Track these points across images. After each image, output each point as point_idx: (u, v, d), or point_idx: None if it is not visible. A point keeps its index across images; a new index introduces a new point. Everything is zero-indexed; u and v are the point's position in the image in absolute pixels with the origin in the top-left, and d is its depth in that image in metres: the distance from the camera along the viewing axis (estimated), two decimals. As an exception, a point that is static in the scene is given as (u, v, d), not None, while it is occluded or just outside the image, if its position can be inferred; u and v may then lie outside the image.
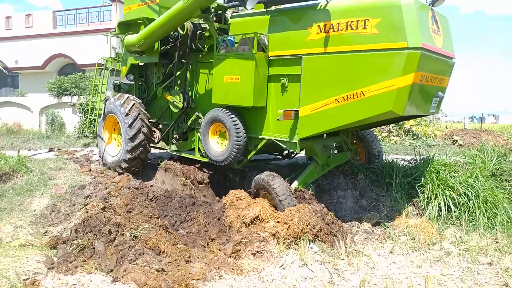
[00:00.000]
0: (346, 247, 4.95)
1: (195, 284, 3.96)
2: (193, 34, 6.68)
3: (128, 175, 7.83)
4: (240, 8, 6.63)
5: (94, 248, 4.69)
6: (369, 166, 7.19)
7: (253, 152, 6.34)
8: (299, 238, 4.88)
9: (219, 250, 4.73)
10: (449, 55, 5.49)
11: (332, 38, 5.08)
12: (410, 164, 7.20)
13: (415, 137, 12.93)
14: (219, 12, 6.75)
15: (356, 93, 4.89)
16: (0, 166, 7.72)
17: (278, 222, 5.11)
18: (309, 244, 4.88)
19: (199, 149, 7.21)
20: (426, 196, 6.19)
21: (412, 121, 13.08)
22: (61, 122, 17.04)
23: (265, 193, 5.73)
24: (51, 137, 15.20)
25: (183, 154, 7.73)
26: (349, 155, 7.03)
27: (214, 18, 6.66)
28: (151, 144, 7.93)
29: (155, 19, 6.85)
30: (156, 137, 7.94)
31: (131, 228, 5.15)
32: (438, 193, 6.09)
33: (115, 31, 8.34)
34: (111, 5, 8.82)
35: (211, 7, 6.30)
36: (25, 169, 7.89)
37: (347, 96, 4.97)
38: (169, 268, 4.23)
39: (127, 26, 7.91)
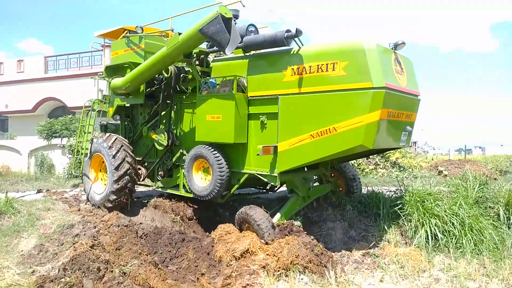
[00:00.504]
0: (336, 277, 4.96)
1: (184, 318, 3.92)
2: (177, 76, 7.10)
3: (117, 213, 7.79)
4: (221, 52, 7.00)
5: (82, 286, 4.64)
6: (352, 197, 7.44)
7: (236, 186, 6.57)
8: (289, 270, 4.89)
9: (209, 284, 4.71)
10: (414, 92, 5.98)
11: (305, 79, 5.54)
12: (396, 195, 7.36)
13: (402, 169, 13.20)
14: (201, 56, 7.21)
15: (329, 129, 5.29)
16: (-13, 208, 7.66)
17: (268, 254, 5.14)
18: (299, 275, 4.89)
19: (183, 185, 7.39)
20: (413, 225, 6.30)
21: (397, 154, 13.42)
22: (50, 164, 16.97)
23: (247, 225, 5.91)
24: (40, 178, 15.09)
25: (168, 190, 7.89)
26: (329, 187, 7.35)
27: (197, 62, 7.14)
28: (137, 182, 8.05)
29: (140, 63, 7.25)
30: (141, 174, 8.08)
31: (120, 264, 5.12)
32: (424, 221, 6.20)
33: (103, 74, 8.75)
34: (100, 50, 9.29)
35: (193, 52, 6.83)
36: (12, 211, 7.81)
37: (320, 132, 5.36)
38: (159, 303, 4.18)
39: (113, 70, 8.29)
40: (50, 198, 9.20)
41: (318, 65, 5.39)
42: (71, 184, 12.52)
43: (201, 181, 6.72)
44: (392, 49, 5.57)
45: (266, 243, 5.43)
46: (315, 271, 5.00)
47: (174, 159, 7.63)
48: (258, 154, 5.88)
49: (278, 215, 6.26)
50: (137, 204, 8.23)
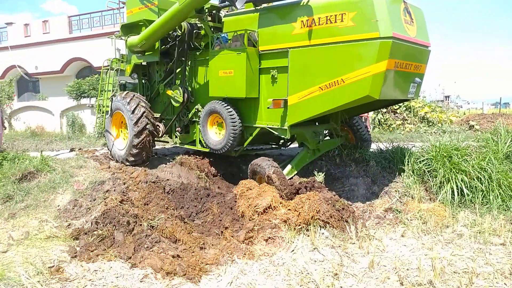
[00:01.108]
0: (357, 231, 5.03)
1: (208, 268, 4.13)
2: (190, 33, 7.23)
3: (145, 170, 8.10)
4: (232, 7, 6.98)
5: (113, 238, 4.92)
6: (362, 149, 7.55)
7: (249, 140, 6.76)
8: (310, 225, 4.99)
9: (232, 237, 4.89)
10: (424, 43, 5.87)
11: (314, 31, 5.55)
12: (422, 150, 7.18)
13: (431, 124, 12.78)
14: (213, 12, 7.28)
15: (337, 80, 5.35)
16: (25, 166, 8.11)
17: (289, 209, 5.24)
18: (320, 229, 4.99)
19: (200, 140, 7.67)
20: (438, 180, 6.18)
21: (426, 108, 12.94)
22: (81, 124, 17.58)
23: (259, 176, 6.21)
24: (72, 138, 15.73)
25: (185, 146, 8.23)
26: (339, 141, 7.48)
27: (209, 18, 7.23)
28: (156, 138, 8.37)
29: (154, 20, 7.31)
30: (160, 131, 8.37)
31: (148, 218, 5.38)
32: (450, 177, 6.07)
33: (119, 33, 8.86)
34: (116, 8, 9.45)
35: (205, 7, 6.85)
36: (48, 168, 8.24)
37: (329, 84, 5.44)
38: (184, 254, 4.42)
39: (129, 28, 8.43)
40: (82, 156, 9.61)
41: (327, 17, 5.39)
42: (101, 143, 13.00)
43: (215, 136, 6.97)
44: None
45: (281, 197, 5.64)
46: (336, 226, 5.07)
47: (190, 115, 7.87)
48: (268, 108, 6.08)
49: (289, 167, 6.49)
50: (164, 161, 8.50)
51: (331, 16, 5.34)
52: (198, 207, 6.49)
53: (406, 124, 12.82)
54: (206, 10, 7.08)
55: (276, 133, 6.33)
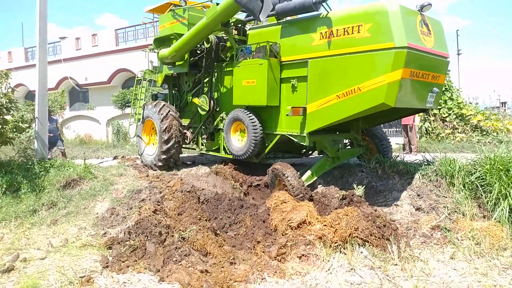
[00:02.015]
0: (399, 251, 4.62)
1: (236, 286, 3.94)
2: (217, 45, 7.67)
3: (181, 179, 8.13)
4: (257, 21, 7.46)
5: (145, 249, 4.89)
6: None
7: (270, 147, 7.00)
8: (347, 242, 4.65)
9: (263, 252, 4.67)
10: (442, 54, 5.99)
11: (333, 42, 5.81)
12: (475, 162, 6.55)
13: (484, 133, 11.81)
14: (238, 25, 7.82)
15: (354, 89, 5.52)
16: (69, 173, 8.45)
17: (325, 225, 4.93)
18: (359, 248, 4.63)
19: (224, 147, 8.00)
20: (493, 196, 5.57)
21: (479, 116, 11.99)
22: (125, 132, 18.24)
23: (278, 180, 6.44)
24: (117, 146, 16.38)
25: (210, 153, 8.66)
26: (360, 150, 7.55)
27: (235, 31, 7.81)
28: (184, 144, 8.85)
29: (184, 34, 7.81)
30: (188, 138, 8.82)
31: (180, 230, 5.29)
32: (508, 192, 5.45)
33: (152, 46, 9.44)
34: (150, 23, 10.27)
35: (230, 21, 7.34)
36: (90, 176, 8.51)
37: (346, 92, 5.62)
38: (213, 269, 4.27)
39: (161, 42, 8.95)
40: (123, 165, 9.87)
41: (344, 28, 5.64)
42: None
43: (238, 142, 7.31)
44: (418, 11, 5.63)
45: (295, 195, 5.87)
46: (376, 245, 4.70)
47: (215, 123, 8.28)
48: (287, 115, 6.35)
49: (308, 172, 6.64)
50: (201, 170, 8.50)
51: (348, 27, 5.57)
52: (232, 219, 6.34)
53: (456, 133, 11.95)
54: (232, 24, 7.55)
55: (296, 140, 6.52)
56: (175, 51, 8.06)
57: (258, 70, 6.58)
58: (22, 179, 8.01)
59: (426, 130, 12.26)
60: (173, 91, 9.55)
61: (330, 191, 6.39)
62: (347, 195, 5.74)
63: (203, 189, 7.59)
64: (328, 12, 6.00)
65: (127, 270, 4.35)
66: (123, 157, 12.01)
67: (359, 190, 5.88)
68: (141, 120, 9.40)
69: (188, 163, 9.52)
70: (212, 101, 8.05)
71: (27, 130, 11.72)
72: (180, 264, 4.23)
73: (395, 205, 6.22)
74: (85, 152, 14.66)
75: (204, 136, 8.66)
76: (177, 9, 8.46)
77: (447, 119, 11.92)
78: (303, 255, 4.52)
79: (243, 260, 4.68)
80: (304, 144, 6.42)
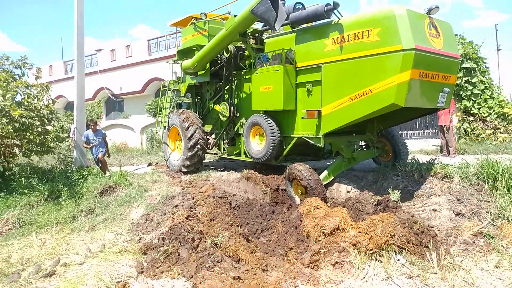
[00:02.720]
0: (439, 259, 4.40)
1: (269, 294, 3.89)
2: (236, 55, 8.06)
3: (213, 185, 8.21)
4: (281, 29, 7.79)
5: (178, 255, 4.95)
6: (399, 163, 7.45)
7: (287, 149, 7.29)
8: (383, 250, 4.49)
9: (296, 259, 4.60)
10: (452, 55, 6.12)
11: (344, 47, 6.09)
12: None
13: (529, 133, 11.12)
14: (256, 35, 8.20)
15: (365, 91, 5.76)
16: (106, 181, 8.75)
17: (359, 232, 4.79)
18: (395, 255, 4.46)
19: (244, 151, 8.35)
20: (542, 201, 5.22)
21: (523, 115, 11.30)
22: (159, 139, 18.69)
23: (295, 180, 6.68)
24: (151, 153, 16.80)
25: (232, 157, 9.06)
26: (376, 152, 7.77)
27: (253, 41, 8.16)
28: (207, 150, 9.32)
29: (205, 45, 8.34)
30: (210, 143, 9.29)
31: (212, 235, 5.32)
32: (558, 197, 5.08)
33: (175, 58, 10.03)
34: (173, 33, 11.11)
35: (247, 31, 7.77)
36: (126, 183, 8.78)
37: (358, 94, 5.86)
38: (246, 276, 4.24)
39: (184, 53, 9.47)
40: (156, 171, 10.12)
41: (355, 33, 5.90)
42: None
43: (257, 146, 7.68)
44: (426, 14, 5.83)
45: (311, 194, 6.10)
46: (414, 252, 4.50)
47: (236, 129, 8.71)
48: (303, 117, 6.69)
49: (325, 172, 6.89)
50: (232, 175, 8.55)
51: (358, 32, 5.83)
52: (263, 224, 6.31)
53: (498, 134, 11.31)
54: (249, 34, 8.00)
55: (312, 142, 6.77)
56: (197, 61, 8.54)
57: (274, 76, 6.91)
58: (62, 186, 8.39)
59: (465, 130, 11.71)
60: (196, 100, 10.04)
61: (364, 196, 6.24)
62: (382, 201, 5.57)
63: (234, 194, 7.62)
64: (339, 19, 6.26)
65: (161, 275, 4.42)
66: (157, 163, 12.30)
67: (394, 195, 5.69)
68: (166, 127, 9.88)
69: (221, 169, 9.61)
70: (232, 108, 8.44)
71: (66, 140, 12.29)
72: (213, 271, 4.24)
73: (433, 210, 5.95)
74: (121, 160, 15.16)
75: (226, 141, 9.07)
76: (198, 22, 8.95)
77: (488, 118, 11.33)
78: (337, 262, 4.40)
79: (276, 267, 4.63)
80: (320, 145, 6.62)
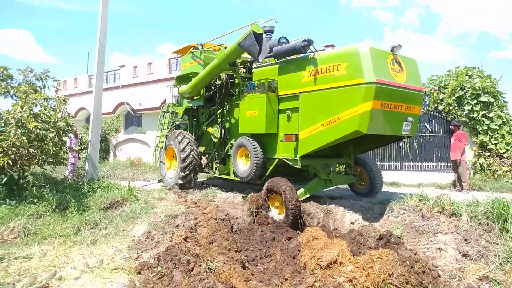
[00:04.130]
0: (439, 303, 4.20)
1: (256, 326, 3.78)
2: (227, 82, 8.93)
3: (217, 206, 8.19)
4: (267, 60, 8.59)
5: (172, 277, 4.90)
6: (373, 193, 8.29)
7: (270, 169, 7.90)
8: (380, 288, 4.33)
9: (289, 291, 4.47)
10: (415, 88, 6.78)
11: (318, 79, 6.80)
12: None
13: (550, 172, 10.69)
14: (247, 64, 9.06)
15: (335, 118, 6.44)
16: (114, 195, 8.85)
17: (357, 267, 4.64)
18: (392, 295, 4.28)
19: (233, 171, 8.78)
20: (555, 247, 4.96)
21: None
22: (156, 158, 18.86)
23: (274, 194, 7.17)
24: (163, 169, 16.90)
25: (222, 176, 9.69)
26: (353, 179, 8.34)
27: (244, 70, 9.05)
28: (199, 170, 9.91)
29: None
30: (203, 163, 9.89)
31: (208, 260, 5.26)
32: None
33: (175, 83, 10.86)
34: (175, 58, 12.44)
35: (236, 61, 8.61)
36: (133, 198, 8.86)
37: (329, 121, 6.54)
38: (235, 306, 4.14)
39: (182, 79, 10.25)
40: (164, 188, 10.19)
41: (327, 67, 6.63)
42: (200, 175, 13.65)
43: (243, 166, 8.26)
44: (390, 51, 6.51)
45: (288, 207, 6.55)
46: (413, 293, 4.32)
47: (226, 150, 9.32)
48: (281, 141, 7.48)
49: (301, 190, 7.41)
50: (238, 197, 8.51)
51: (329, 66, 6.56)
52: (263, 251, 6.20)
53: (516, 171, 10.93)
54: (238, 64, 8.83)
55: (290, 163, 7.36)
56: (192, 87, 9.39)
57: (258, 103, 7.63)
58: (71, 198, 8.52)
59: (480, 166, 11.38)
60: (193, 122, 10.80)
61: (367, 229, 6.09)
62: (384, 235, 5.42)
63: (237, 218, 7.57)
64: (315, 54, 7.01)
65: (151, 298, 4.36)
66: (166, 180, 12.39)
67: (397, 230, 5.52)
68: (164, 147, 10.55)
69: (228, 190, 9.59)
70: (223, 130, 9.16)
71: (84, 152, 12.56)
72: (202, 297, 4.17)
73: (438, 249, 5.73)
74: (134, 174, 15.35)
75: (217, 161, 9.72)
76: (195, 51, 9.85)
77: (505, 155, 10.99)
78: (330, 298, 4.26)
79: (268, 297, 4.51)
80: (297, 166, 7.22)
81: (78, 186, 9.48)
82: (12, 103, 8.52)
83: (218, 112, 9.55)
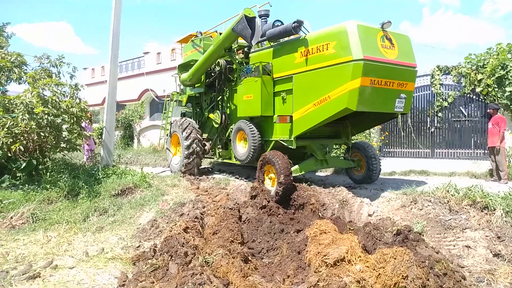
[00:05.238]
0: (461, 311, 3.62)
1: (243, 332, 3.38)
2: (226, 68, 9.18)
3: (228, 195, 7.83)
4: (263, 43, 8.71)
5: (167, 269, 4.58)
6: (371, 177, 8.18)
7: (268, 151, 7.77)
8: (392, 291, 3.79)
9: (288, 291, 4.02)
10: (408, 64, 6.74)
11: (309, 59, 6.88)
12: None
13: None
14: (245, 49, 9.28)
15: (325, 97, 6.51)
16: (126, 182, 8.69)
17: (367, 266, 4.12)
18: (406, 300, 3.74)
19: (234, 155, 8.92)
20: None
21: None
22: (162, 145, 18.69)
23: (270, 165, 7.28)
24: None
25: (225, 160, 9.89)
26: (351, 164, 8.31)
27: (242, 55, 9.32)
28: (203, 156, 10.12)
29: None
30: (207, 149, 10.03)
31: (206, 252, 4.90)
32: None
33: (177, 71, 10.96)
34: (180, 49, 12.36)
35: (233, 47, 8.87)
36: (145, 185, 8.67)
37: (320, 100, 6.62)
38: (226, 306, 3.76)
39: (184, 67, 10.36)
40: (177, 175, 9.94)
41: (317, 47, 6.69)
42: (207, 162, 13.44)
43: (242, 149, 8.42)
44: (380, 28, 6.50)
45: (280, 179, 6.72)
46: (431, 298, 3.76)
47: (227, 135, 9.50)
48: (275, 122, 7.64)
49: (296, 166, 7.44)
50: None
51: (319, 46, 6.62)
52: (270, 244, 5.80)
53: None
54: (235, 49, 9.09)
55: (286, 144, 7.49)
56: (192, 74, 9.53)
57: (254, 86, 7.76)
58: (83, 184, 8.45)
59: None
60: (197, 109, 11.00)
61: (385, 223, 5.52)
62: (402, 231, 4.82)
63: (247, 207, 7.17)
64: (306, 35, 7.08)
65: (139, 292, 4.07)
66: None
67: (418, 225, 4.92)
68: (169, 134, 10.78)
69: (244, 177, 9.21)
70: (223, 115, 9.35)
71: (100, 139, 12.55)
72: (190, 295, 3.81)
73: (466, 246, 5.08)
74: (156, 160, 15.31)
75: (220, 146, 9.89)
76: (195, 40, 10.04)
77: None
78: (334, 300, 3.78)
79: (266, 296, 4.09)
80: (292, 147, 7.33)
81: (93, 172, 9.42)
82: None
83: (218, 98, 9.73)
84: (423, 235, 5.12)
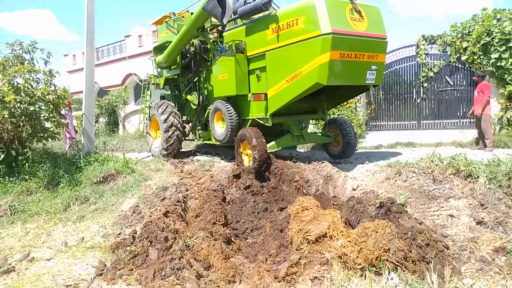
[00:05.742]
0: (443, 281, 3.57)
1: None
2: (200, 48, 9.00)
3: (211, 176, 7.69)
4: (237, 21, 8.54)
5: (147, 256, 4.47)
6: (346, 153, 8.04)
7: None
8: (374, 266, 3.73)
9: (269, 271, 3.94)
10: (378, 36, 6.70)
11: (280, 35, 6.79)
12: None
13: None
14: (218, 28, 9.06)
15: (297, 73, 6.47)
16: (108, 168, 8.48)
17: (349, 241, 4.04)
18: (388, 273, 3.69)
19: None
20: None
21: None
22: (141, 130, 18.40)
23: (246, 142, 7.24)
24: (171, 140, 16.51)
25: (205, 141, 9.93)
26: (329, 139, 8.22)
27: (216, 34, 9.11)
28: (183, 138, 9.96)
29: None
30: (187, 130, 9.91)
31: (187, 236, 4.79)
32: None
33: (152, 54, 10.72)
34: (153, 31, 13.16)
35: (205, 26, 8.76)
36: (128, 171, 8.46)
37: (292, 76, 6.57)
38: (205, 289, 3.67)
39: (159, 49, 10.12)
40: (161, 159, 9.73)
41: (287, 23, 6.61)
42: (193, 145, 13.24)
43: (220, 129, 8.32)
44: (349, 0, 6.38)
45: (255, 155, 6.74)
46: (413, 270, 3.71)
47: (205, 115, 9.38)
48: (249, 100, 7.57)
49: (272, 142, 7.43)
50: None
51: (290, 21, 6.54)
52: (254, 223, 5.71)
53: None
54: (209, 29, 8.96)
55: (262, 122, 7.44)
56: (166, 56, 9.43)
57: (228, 65, 7.64)
58: (63, 173, 8.22)
59: (508, 120, 10.28)
60: (175, 91, 10.67)
61: (368, 196, 5.44)
62: (385, 203, 4.74)
63: (231, 187, 7.05)
64: (276, 11, 6.98)
65: (117, 280, 3.97)
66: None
67: (401, 197, 4.84)
68: (148, 118, 10.56)
69: (229, 158, 9.07)
70: (201, 96, 9.23)
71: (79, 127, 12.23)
72: (167, 281, 3.70)
73: (450, 215, 5.04)
74: (142, 145, 15.06)
75: (199, 127, 9.78)
76: (169, 21, 9.81)
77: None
78: (315, 277, 3.71)
79: (247, 277, 4.01)
80: (268, 124, 7.29)
81: (74, 160, 9.17)
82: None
83: (195, 79, 9.59)
84: (406, 207, 5.07)
